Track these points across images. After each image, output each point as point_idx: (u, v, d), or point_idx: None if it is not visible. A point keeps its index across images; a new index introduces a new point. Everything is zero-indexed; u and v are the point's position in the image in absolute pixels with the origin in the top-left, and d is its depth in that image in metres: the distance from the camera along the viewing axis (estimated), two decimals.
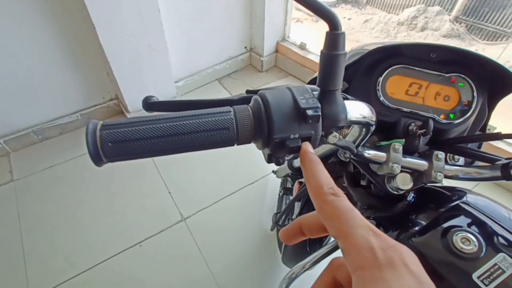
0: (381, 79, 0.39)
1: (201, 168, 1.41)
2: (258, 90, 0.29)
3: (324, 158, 0.57)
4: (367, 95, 0.40)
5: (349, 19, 5.22)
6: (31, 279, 1.08)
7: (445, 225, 0.36)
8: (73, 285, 1.06)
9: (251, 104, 0.24)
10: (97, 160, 0.21)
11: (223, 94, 1.77)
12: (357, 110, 0.26)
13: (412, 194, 0.43)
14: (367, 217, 0.47)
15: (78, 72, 1.41)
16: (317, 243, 0.82)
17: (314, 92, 0.24)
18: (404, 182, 0.38)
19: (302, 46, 1.81)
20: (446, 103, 0.39)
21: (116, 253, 1.14)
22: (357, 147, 0.32)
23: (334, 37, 0.23)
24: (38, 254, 1.14)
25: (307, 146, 0.22)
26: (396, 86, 0.39)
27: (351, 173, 0.50)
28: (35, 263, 1.12)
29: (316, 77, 0.52)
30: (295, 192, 0.84)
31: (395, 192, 0.40)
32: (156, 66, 1.42)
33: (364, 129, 0.29)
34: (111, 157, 0.22)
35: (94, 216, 1.25)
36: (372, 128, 0.29)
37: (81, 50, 1.35)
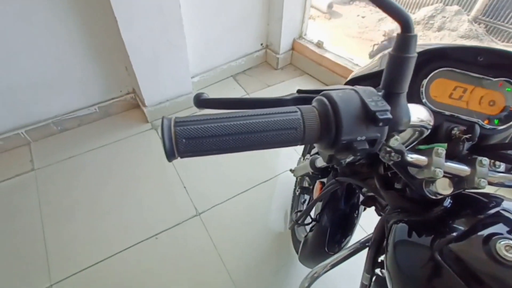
0: (425, 81, 0.38)
1: (216, 165, 1.42)
2: (311, 91, 0.29)
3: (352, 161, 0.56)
4: (409, 98, 0.39)
5: (363, 17, 5.13)
6: (52, 266, 1.11)
7: (486, 232, 0.36)
8: (92, 273, 1.09)
9: (315, 104, 0.24)
10: (171, 155, 0.22)
11: (238, 91, 1.77)
12: (416, 113, 0.26)
13: (449, 200, 0.43)
14: (399, 221, 0.47)
15: (97, 65, 1.43)
16: (336, 243, 0.82)
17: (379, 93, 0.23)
18: (443, 187, 0.37)
19: (319, 44, 1.79)
20: (491, 108, 0.38)
21: (133, 244, 1.16)
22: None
23: (406, 39, 0.23)
24: (58, 241, 1.17)
25: None
26: (440, 89, 0.38)
27: (381, 175, 0.50)
28: (56, 250, 1.15)
29: (353, 78, 0.52)
30: (315, 193, 0.84)
31: (433, 197, 0.40)
32: (174, 62, 1.43)
33: (417, 133, 0.29)
34: (183, 153, 0.22)
35: (112, 207, 1.27)
36: (427, 132, 0.29)
37: (102, 44, 1.37)
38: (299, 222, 0.84)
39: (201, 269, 1.11)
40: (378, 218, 0.55)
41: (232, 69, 1.82)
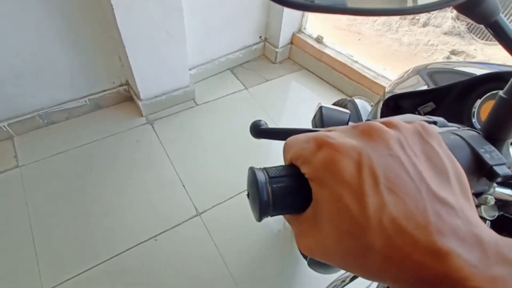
0: (478, 102, 0.37)
1: (216, 163, 1.38)
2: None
3: None
4: (459, 118, 0.38)
5: None
6: (43, 271, 1.05)
7: None
8: (87, 278, 1.04)
9: None
10: (263, 215, 0.19)
11: (235, 85, 1.72)
12: None
13: (488, 222, 0.43)
14: None
15: (87, 55, 1.33)
16: None
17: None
18: (490, 212, 0.37)
19: (319, 39, 1.76)
20: None
21: (131, 246, 1.12)
22: None
23: None
24: (49, 245, 1.11)
25: None
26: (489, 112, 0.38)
27: None
28: (47, 255, 1.08)
29: (395, 95, 0.50)
30: None
31: None
32: (172, 53, 1.36)
33: None
34: (277, 211, 0.19)
35: (107, 208, 1.21)
36: None
37: (93, 32, 1.26)
38: None
39: (203, 271, 1.09)
40: None
41: (229, 61, 1.76)
